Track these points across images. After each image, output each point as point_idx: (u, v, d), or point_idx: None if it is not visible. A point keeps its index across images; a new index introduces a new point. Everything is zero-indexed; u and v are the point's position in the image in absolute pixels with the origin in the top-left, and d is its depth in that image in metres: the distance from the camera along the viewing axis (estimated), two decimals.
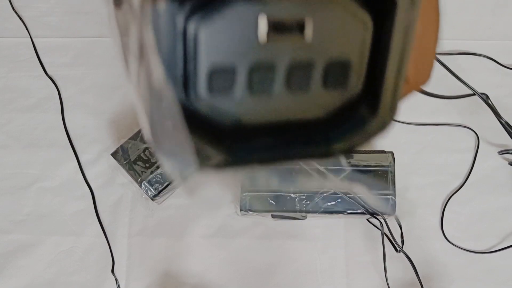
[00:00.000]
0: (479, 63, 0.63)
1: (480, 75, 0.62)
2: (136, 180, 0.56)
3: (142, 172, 0.55)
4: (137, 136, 0.57)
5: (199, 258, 0.58)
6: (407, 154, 0.60)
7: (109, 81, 0.63)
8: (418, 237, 0.58)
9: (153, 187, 0.55)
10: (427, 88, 0.51)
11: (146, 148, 0.56)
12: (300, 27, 0.17)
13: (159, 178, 0.55)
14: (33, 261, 0.58)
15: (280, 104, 0.19)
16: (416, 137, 0.61)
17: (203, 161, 0.18)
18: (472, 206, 0.60)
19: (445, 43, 0.63)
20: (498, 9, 0.65)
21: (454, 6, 0.64)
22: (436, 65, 0.56)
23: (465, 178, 0.60)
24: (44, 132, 0.62)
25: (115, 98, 0.63)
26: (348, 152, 0.20)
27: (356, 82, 0.19)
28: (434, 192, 0.60)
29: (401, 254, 0.56)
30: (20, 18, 0.65)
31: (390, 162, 0.54)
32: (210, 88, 0.18)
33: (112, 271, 0.58)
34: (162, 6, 0.16)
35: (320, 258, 0.58)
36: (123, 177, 0.58)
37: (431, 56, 0.23)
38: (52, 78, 0.64)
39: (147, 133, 0.18)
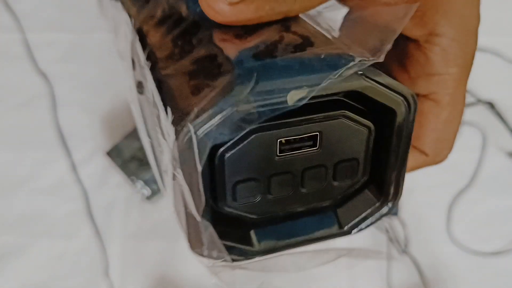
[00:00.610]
0: (486, 60, 0.62)
1: (486, 73, 0.61)
2: (131, 180, 0.55)
3: (137, 171, 0.55)
4: (132, 134, 0.56)
5: (196, 261, 0.57)
6: None
7: (104, 78, 0.62)
8: (423, 239, 0.57)
9: (149, 186, 0.55)
10: None
11: (141, 147, 0.56)
12: (312, 140, 0.20)
13: (154, 178, 0.55)
14: (23, 265, 0.57)
15: (297, 199, 0.22)
16: None
17: (234, 254, 0.22)
18: (479, 207, 0.59)
19: None
20: (504, 2, 0.64)
21: None
22: None
23: (472, 179, 0.59)
24: (36, 130, 0.61)
25: (110, 95, 0.62)
26: (359, 231, 0.23)
27: (363, 172, 0.22)
28: (440, 193, 0.59)
29: (406, 256, 0.55)
30: (12, 12, 0.65)
31: None
32: (235, 198, 0.21)
33: (106, 275, 0.57)
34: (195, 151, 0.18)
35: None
36: (118, 177, 0.57)
37: (452, 135, 0.24)
38: (44, 74, 0.63)
39: (187, 243, 0.22)
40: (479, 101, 0.57)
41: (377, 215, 0.23)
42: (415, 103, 0.20)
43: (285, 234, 0.23)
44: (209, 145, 0.18)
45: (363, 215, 0.23)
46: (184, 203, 0.20)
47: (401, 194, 0.23)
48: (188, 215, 0.20)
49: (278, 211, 0.22)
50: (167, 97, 0.20)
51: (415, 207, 0.58)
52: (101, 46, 0.63)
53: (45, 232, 0.58)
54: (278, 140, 0.20)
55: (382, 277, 0.56)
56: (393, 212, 0.53)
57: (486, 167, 0.59)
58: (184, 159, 0.18)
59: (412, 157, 0.24)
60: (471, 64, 0.23)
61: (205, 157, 0.18)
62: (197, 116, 0.17)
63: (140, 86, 0.22)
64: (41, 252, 0.58)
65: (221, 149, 0.19)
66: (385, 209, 0.23)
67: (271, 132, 0.19)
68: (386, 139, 0.21)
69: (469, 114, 0.61)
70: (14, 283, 0.57)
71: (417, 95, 0.22)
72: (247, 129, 0.18)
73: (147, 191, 0.55)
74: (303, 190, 0.22)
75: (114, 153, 0.56)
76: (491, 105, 0.59)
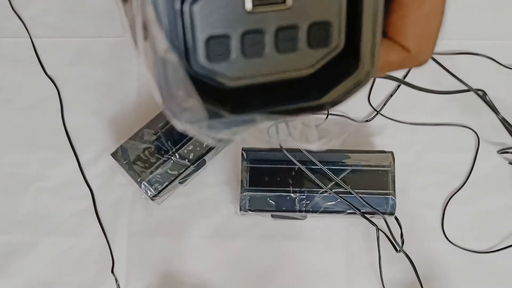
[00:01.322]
0: (479, 63, 0.63)
1: (479, 74, 0.62)
2: (135, 180, 0.55)
3: (141, 172, 0.55)
4: (137, 136, 0.57)
5: (199, 258, 0.58)
6: (407, 154, 0.60)
7: (109, 80, 0.63)
8: (418, 237, 0.58)
9: (153, 187, 0.55)
10: (424, 86, 0.51)
11: (146, 148, 0.56)
12: None
13: (158, 178, 0.55)
14: (32, 262, 0.58)
15: (272, 64, 0.21)
16: (416, 137, 0.61)
17: (210, 116, 0.20)
18: (473, 206, 0.59)
19: (445, 43, 0.63)
20: (498, 8, 0.65)
21: (453, 6, 0.64)
22: (434, 65, 0.56)
23: (466, 178, 0.60)
24: (44, 131, 0.62)
25: (115, 97, 0.63)
26: (338, 103, 0.22)
27: (337, 39, 0.21)
28: (434, 192, 0.60)
29: (402, 254, 0.56)
30: (20, 18, 0.65)
31: (390, 162, 0.54)
32: (208, 55, 0.20)
33: (112, 271, 0.58)
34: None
35: (320, 259, 0.58)
36: (123, 177, 0.58)
37: (435, 31, 0.23)
38: (52, 77, 0.64)
39: (157, 98, 0.20)
40: (470, 89, 0.57)
41: (354, 85, 0.22)
42: None
43: (261, 104, 0.22)
44: None
45: (340, 85, 0.22)
46: (154, 50, 0.19)
47: (377, 62, 0.22)
48: (159, 62, 0.19)
49: (253, 77, 0.21)
50: None
51: (410, 206, 0.59)
52: (107, 50, 0.64)
53: (53, 230, 0.59)
54: None
55: (378, 274, 0.57)
56: (390, 212, 0.54)
57: (479, 167, 0.60)
58: None
59: (395, 53, 0.23)
60: None
61: None
62: None
63: None
64: (48, 249, 0.59)
65: (189, 1, 0.19)
66: (362, 79, 0.22)
67: None
68: (357, 2, 0.21)
69: (462, 112, 0.62)
70: (22, 279, 0.58)
71: None
72: None
73: (151, 191, 0.55)
74: (277, 53, 0.21)
75: (119, 154, 0.56)
76: (483, 93, 0.59)
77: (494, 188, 0.60)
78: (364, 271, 0.58)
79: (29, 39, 0.65)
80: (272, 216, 0.55)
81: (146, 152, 0.56)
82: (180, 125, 0.21)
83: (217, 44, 0.20)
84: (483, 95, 0.59)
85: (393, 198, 0.53)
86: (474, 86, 0.59)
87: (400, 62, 0.23)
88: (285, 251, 0.58)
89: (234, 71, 0.21)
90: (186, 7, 0.19)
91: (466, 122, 0.62)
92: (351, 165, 0.54)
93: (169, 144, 0.56)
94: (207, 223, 0.59)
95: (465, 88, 0.56)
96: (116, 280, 0.57)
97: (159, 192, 0.56)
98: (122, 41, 0.64)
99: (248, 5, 0.20)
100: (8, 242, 0.59)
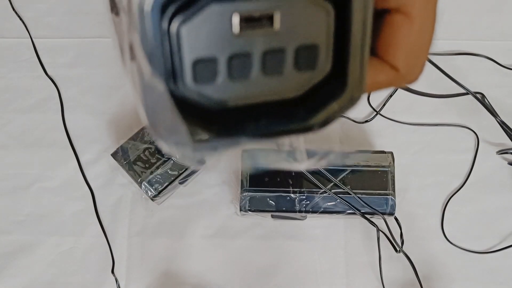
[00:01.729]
0: (478, 64, 0.63)
1: (479, 75, 0.63)
2: (136, 181, 0.56)
3: (142, 172, 0.55)
4: (137, 136, 0.57)
5: (199, 259, 0.58)
6: (407, 154, 0.61)
7: (109, 81, 0.63)
8: (418, 238, 0.58)
9: (153, 187, 0.55)
10: (422, 88, 0.51)
11: (146, 149, 0.56)
12: (269, 19, 0.20)
13: (159, 178, 0.55)
14: (33, 262, 0.58)
15: (259, 87, 0.21)
16: (416, 137, 0.61)
17: (196, 140, 0.20)
18: (472, 206, 0.60)
19: (444, 43, 0.63)
20: (496, 8, 0.65)
21: (452, 6, 0.64)
22: (433, 67, 0.57)
23: (465, 178, 0.60)
24: (44, 132, 0.62)
25: (115, 98, 0.63)
26: (324, 125, 0.22)
27: (325, 62, 0.21)
28: (434, 192, 0.60)
29: (401, 254, 0.56)
30: (20, 19, 0.66)
31: (390, 163, 0.55)
32: (195, 77, 0.20)
33: (112, 271, 0.58)
34: (148, 12, 0.18)
35: (320, 259, 0.58)
36: (123, 177, 0.59)
37: (424, 51, 0.23)
38: (52, 78, 0.64)
39: (144, 121, 0.20)
40: (469, 92, 0.57)
41: (340, 107, 0.22)
42: None
43: (248, 127, 0.22)
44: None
45: (327, 108, 0.22)
46: (141, 73, 0.19)
47: (364, 84, 0.22)
48: (145, 87, 0.19)
49: (240, 99, 0.21)
50: None
51: (410, 206, 0.59)
52: (107, 51, 0.64)
53: (54, 230, 0.59)
54: (236, 15, 0.19)
55: (377, 274, 0.57)
56: (390, 212, 0.54)
57: (479, 167, 0.60)
58: (139, 14, 0.18)
59: (384, 72, 0.23)
60: None
61: (156, 10, 0.18)
62: None
63: (114, 6, 0.22)
64: (49, 249, 0.59)
65: (177, 21, 0.19)
66: (349, 101, 0.22)
67: (228, 3, 0.19)
68: (346, 26, 0.21)
69: (461, 113, 0.62)
70: (23, 279, 0.58)
71: (390, 10, 0.22)
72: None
73: (151, 191, 0.55)
74: (264, 77, 0.21)
75: (119, 155, 0.56)
76: (482, 96, 0.59)
77: (494, 189, 0.60)
78: (364, 271, 0.58)
79: (30, 39, 0.65)
80: (272, 216, 0.55)
81: (146, 152, 0.56)
82: (165, 148, 0.21)
83: (204, 67, 0.20)
84: (482, 98, 0.59)
85: (393, 198, 0.53)
86: (473, 87, 0.59)
87: (388, 82, 0.23)
88: (285, 251, 0.58)
89: (220, 93, 0.21)
90: (173, 28, 0.19)
91: (466, 122, 0.62)
92: (350, 166, 0.55)
93: None
94: (207, 223, 0.59)
95: (464, 91, 0.56)
96: (116, 280, 0.58)
97: (159, 192, 0.56)
98: None
99: (236, 28, 0.20)
100: (9, 242, 0.59)
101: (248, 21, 0.20)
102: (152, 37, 0.19)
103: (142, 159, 0.56)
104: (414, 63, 0.23)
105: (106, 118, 0.62)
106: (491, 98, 0.61)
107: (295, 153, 0.24)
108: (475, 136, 0.61)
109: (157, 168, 0.55)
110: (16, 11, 0.66)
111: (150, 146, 0.56)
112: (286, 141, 0.23)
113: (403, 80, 0.23)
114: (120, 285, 0.58)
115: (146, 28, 0.18)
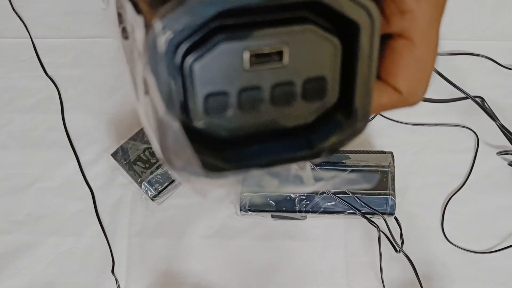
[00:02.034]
0: (478, 64, 0.63)
1: (478, 75, 0.62)
2: (136, 181, 0.56)
3: (142, 172, 0.55)
4: (137, 136, 0.57)
5: (199, 258, 0.58)
6: (406, 154, 0.60)
7: (109, 81, 0.63)
8: (418, 238, 0.58)
9: (153, 187, 0.55)
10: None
11: (146, 149, 0.56)
12: (278, 54, 0.21)
13: (159, 178, 0.55)
14: (33, 262, 0.58)
15: (267, 117, 0.22)
16: (416, 137, 0.61)
17: (208, 170, 0.21)
18: (472, 206, 0.60)
19: (443, 43, 0.63)
20: (497, 8, 0.65)
21: (452, 6, 0.64)
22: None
23: (465, 179, 0.60)
24: (44, 132, 0.62)
25: (115, 98, 0.63)
26: (331, 153, 0.23)
27: (332, 92, 0.22)
28: (434, 193, 0.60)
29: (401, 254, 0.56)
30: (20, 18, 0.66)
31: (390, 163, 0.54)
32: (206, 110, 0.21)
33: (112, 272, 0.58)
34: (162, 50, 0.19)
35: (320, 259, 0.58)
36: (123, 177, 0.58)
37: (427, 74, 0.24)
38: (52, 78, 0.64)
39: (158, 154, 0.21)
40: (469, 96, 0.57)
41: (346, 137, 0.23)
42: (379, 16, 0.21)
43: (257, 154, 0.23)
44: (174, 37, 0.19)
45: (334, 136, 0.23)
46: (155, 109, 0.19)
47: (369, 115, 0.23)
48: (159, 122, 0.20)
49: (249, 129, 0.22)
50: (140, 12, 0.20)
51: (410, 206, 0.59)
52: (107, 50, 0.64)
53: (54, 230, 0.59)
54: (247, 52, 0.20)
55: (377, 274, 0.57)
56: (390, 212, 0.54)
57: (479, 167, 0.60)
58: (152, 56, 0.19)
59: (387, 95, 0.24)
60: (444, 3, 0.23)
61: (171, 48, 0.19)
62: (163, 14, 0.18)
63: (124, 31, 0.23)
64: (50, 249, 0.59)
65: (190, 59, 0.20)
66: (354, 131, 0.23)
67: (238, 42, 0.20)
68: (352, 58, 0.21)
69: (461, 113, 0.62)
70: (23, 279, 0.58)
71: (393, 34, 0.23)
72: (215, 40, 0.19)
73: (151, 191, 0.55)
74: (274, 108, 0.22)
75: (119, 155, 0.56)
76: (481, 100, 0.59)
77: (494, 189, 0.60)
78: (364, 271, 0.58)
79: (30, 39, 0.65)
80: (272, 216, 0.55)
81: (147, 152, 0.56)
82: (178, 178, 0.21)
83: (215, 100, 0.21)
84: (481, 102, 0.60)
85: (393, 198, 0.53)
86: (473, 87, 0.59)
87: (392, 104, 0.24)
88: (285, 251, 0.58)
89: (230, 124, 0.22)
90: (186, 66, 0.20)
91: (466, 122, 0.62)
92: (350, 166, 0.55)
93: None
94: (208, 223, 0.59)
95: (463, 96, 0.56)
96: (116, 280, 0.58)
97: (160, 192, 0.56)
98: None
99: (246, 64, 0.20)
100: (9, 242, 0.59)
101: (258, 57, 0.20)
102: (167, 77, 0.19)
103: (142, 159, 0.56)
104: (417, 86, 0.23)
105: (106, 118, 0.62)
106: (491, 99, 0.60)
107: (302, 176, 0.24)
108: (475, 136, 0.61)
109: (157, 168, 0.55)
110: (16, 11, 0.66)
111: (150, 146, 0.56)
112: (294, 166, 0.24)
113: (406, 102, 0.24)
114: (120, 285, 0.58)
115: (161, 68, 0.19)
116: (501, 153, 0.60)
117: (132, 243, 0.59)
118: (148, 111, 0.20)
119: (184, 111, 0.21)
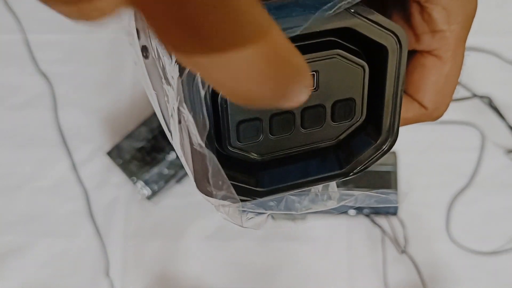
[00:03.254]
0: (484, 60, 0.62)
1: (485, 72, 0.62)
2: (131, 180, 0.55)
3: (137, 171, 0.55)
4: (133, 134, 0.56)
5: (197, 261, 0.58)
6: (411, 154, 0.60)
7: (104, 78, 0.63)
8: (422, 238, 0.57)
9: (149, 186, 0.55)
10: None
11: (142, 147, 0.56)
12: None
13: (155, 177, 0.55)
14: (25, 263, 0.58)
15: (298, 140, 0.23)
16: (420, 136, 0.60)
17: (242, 195, 0.22)
18: (478, 206, 0.59)
19: None
20: (503, 3, 0.64)
21: None
22: None
23: (471, 178, 0.59)
24: (37, 130, 0.61)
25: (110, 95, 0.62)
26: (359, 172, 0.24)
27: (360, 112, 0.23)
28: (439, 192, 0.59)
29: (405, 256, 0.55)
30: (13, 13, 0.65)
31: (393, 162, 0.54)
32: (239, 138, 0.22)
33: (107, 274, 0.57)
34: (200, 88, 0.19)
35: (322, 261, 0.58)
36: (118, 176, 0.58)
37: (451, 90, 0.25)
38: (45, 74, 0.63)
39: (193, 181, 0.22)
40: (476, 95, 0.57)
41: (375, 154, 0.24)
42: (406, 41, 0.21)
43: (289, 176, 0.24)
44: None
45: (363, 155, 0.24)
46: (190, 140, 0.20)
47: (397, 133, 0.24)
48: (194, 151, 0.20)
49: (280, 152, 0.23)
50: None
51: (414, 207, 0.58)
52: (102, 46, 0.63)
53: (47, 231, 0.58)
54: None
55: (381, 276, 0.57)
56: (392, 212, 0.53)
57: (485, 167, 0.59)
58: (188, 91, 0.19)
59: (412, 110, 0.25)
60: (471, 22, 0.25)
61: (206, 86, 0.19)
62: None
63: (144, 50, 0.24)
64: (42, 251, 0.58)
65: None
66: (382, 149, 0.24)
67: None
68: (380, 78, 0.22)
69: (467, 111, 0.61)
70: (16, 281, 0.57)
71: (422, 51, 0.24)
72: None
73: (147, 191, 0.55)
74: (303, 130, 0.23)
75: (114, 153, 0.56)
76: (489, 100, 0.59)
77: (500, 188, 0.59)
78: (366, 273, 0.57)
79: (22, 35, 0.64)
80: (273, 217, 0.55)
81: (142, 151, 0.56)
82: (214, 206, 0.23)
83: (247, 128, 0.22)
84: (489, 102, 0.59)
85: (396, 199, 0.53)
86: (479, 84, 0.58)
87: (416, 118, 0.25)
88: (285, 253, 0.58)
89: (262, 149, 0.23)
90: (221, 96, 0.21)
91: (471, 120, 0.61)
92: None
93: (166, 142, 0.55)
94: (206, 224, 0.58)
95: (470, 95, 0.56)
96: (112, 283, 0.57)
97: (156, 192, 0.55)
98: (117, 37, 0.63)
99: None
100: (1, 243, 0.58)
101: None
102: (204, 111, 0.20)
103: (137, 158, 0.55)
104: (441, 102, 0.25)
105: (101, 115, 0.61)
106: (498, 97, 0.60)
107: (330, 194, 0.25)
108: (481, 135, 0.60)
109: (153, 167, 0.55)
110: (9, 5, 0.65)
111: (146, 144, 0.56)
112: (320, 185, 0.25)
113: (430, 117, 0.25)
114: None
115: (198, 104, 0.20)
116: (509, 151, 0.59)
117: (128, 245, 0.58)
118: (183, 140, 0.21)
119: (217, 138, 0.22)
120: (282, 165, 0.24)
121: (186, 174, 0.57)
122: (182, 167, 0.55)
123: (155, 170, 0.55)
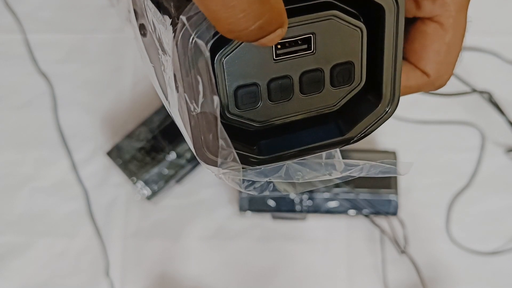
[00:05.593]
0: (483, 60, 0.62)
1: (484, 71, 0.61)
2: (131, 180, 0.55)
3: (137, 171, 0.55)
4: (133, 134, 0.56)
5: (197, 261, 0.57)
6: (410, 153, 0.59)
7: (104, 77, 0.62)
8: (422, 239, 0.57)
9: (149, 187, 0.55)
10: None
11: (142, 147, 0.56)
12: (306, 42, 0.21)
13: (154, 178, 0.54)
14: (25, 264, 0.57)
15: (297, 106, 0.23)
16: (420, 136, 0.60)
17: (243, 163, 0.21)
18: (479, 206, 0.59)
19: None
20: (503, 2, 0.64)
21: None
22: None
23: (471, 178, 0.59)
24: (37, 130, 0.61)
25: (110, 95, 0.62)
26: (363, 136, 0.23)
27: (359, 76, 0.23)
28: (439, 192, 0.59)
29: (405, 256, 0.55)
30: (13, 13, 0.64)
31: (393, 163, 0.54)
32: (237, 104, 0.22)
33: (107, 274, 0.57)
34: (192, 48, 0.19)
35: (321, 261, 0.57)
36: (118, 176, 0.57)
37: (454, 57, 0.24)
38: (45, 74, 0.63)
39: (192, 149, 0.22)
40: (476, 90, 0.56)
41: (377, 119, 0.23)
42: (403, 1, 0.21)
43: (289, 143, 0.23)
44: (203, 34, 0.19)
45: (364, 120, 0.23)
46: (187, 106, 0.20)
47: (398, 97, 0.23)
48: (191, 117, 0.20)
49: (280, 118, 0.23)
50: (165, 12, 0.21)
51: (414, 206, 0.58)
52: (102, 46, 0.63)
53: (46, 231, 0.58)
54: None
55: (380, 276, 0.56)
56: (393, 212, 0.53)
57: (485, 166, 0.59)
58: (183, 54, 0.19)
59: (414, 78, 0.24)
60: None
61: (203, 43, 0.19)
62: (190, 12, 0.19)
63: (142, 28, 0.24)
64: (42, 251, 0.58)
65: (219, 55, 0.20)
66: (384, 113, 0.23)
67: None
68: (379, 41, 0.22)
69: (467, 107, 0.61)
70: (16, 281, 0.57)
71: (423, 18, 0.24)
72: None
73: (147, 191, 0.54)
74: (303, 96, 0.22)
75: (114, 153, 0.55)
76: (489, 95, 0.58)
77: (501, 188, 0.59)
78: (366, 273, 0.57)
79: (23, 35, 0.64)
80: (272, 216, 0.55)
81: (142, 151, 0.55)
82: (214, 174, 0.22)
83: (245, 93, 0.21)
84: (489, 98, 0.59)
85: (396, 198, 0.53)
86: (479, 83, 0.58)
87: (418, 87, 0.25)
88: (285, 253, 0.58)
89: (261, 116, 0.22)
90: (216, 61, 0.20)
91: (471, 120, 0.61)
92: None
93: (166, 142, 0.55)
94: (206, 224, 0.58)
95: (470, 90, 0.56)
96: (111, 283, 0.57)
97: (156, 192, 0.55)
98: (117, 37, 0.63)
99: (274, 55, 0.21)
100: (1, 243, 0.58)
101: (285, 47, 0.21)
102: (199, 73, 0.20)
103: (137, 158, 0.55)
104: (444, 70, 0.24)
105: (101, 115, 0.61)
106: (498, 95, 0.59)
107: (334, 164, 0.24)
108: (481, 134, 0.60)
109: (153, 167, 0.55)
110: (9, 5, 0.65)
111: (146, 144, 0.55)
112: (324, 154, 0.25)
113: (432, 86, 0.25)
114: None
115: (192, 65, 0.19)
116: (509, 150, 0.59)
117: (127, 245, 0.58)
118: (181, 107, 0.21)
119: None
120: (282, 133, 0.23)
121: (186, 174, 0.56)
122: (182, 167, 0.55)
123: (155, 170, 0.55)
